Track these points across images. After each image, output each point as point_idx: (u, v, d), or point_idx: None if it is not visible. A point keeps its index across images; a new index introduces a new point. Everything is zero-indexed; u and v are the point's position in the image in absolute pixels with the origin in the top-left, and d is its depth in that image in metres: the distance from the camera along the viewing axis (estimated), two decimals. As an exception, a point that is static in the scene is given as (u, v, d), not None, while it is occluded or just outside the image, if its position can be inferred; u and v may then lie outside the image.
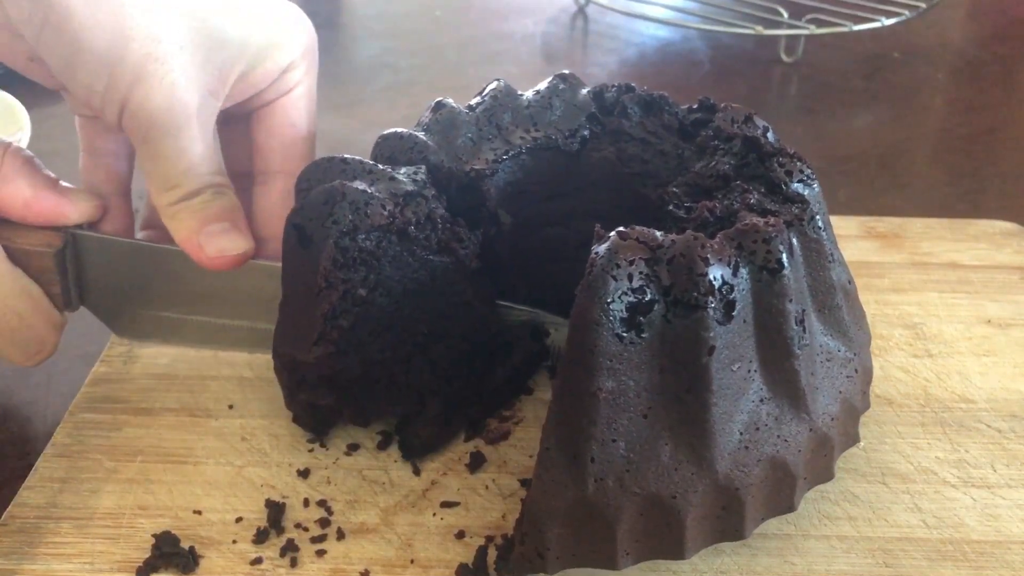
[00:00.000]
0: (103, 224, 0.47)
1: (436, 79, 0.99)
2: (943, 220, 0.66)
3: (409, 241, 0.44)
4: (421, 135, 0.48)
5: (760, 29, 0.97)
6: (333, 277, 0.42)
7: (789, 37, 0.99)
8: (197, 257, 0.44)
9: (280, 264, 0.45)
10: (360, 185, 0.42)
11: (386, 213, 0.42)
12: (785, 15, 0.99)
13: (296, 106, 0.48)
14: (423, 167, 0.45)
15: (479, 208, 0.47)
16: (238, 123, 0.49)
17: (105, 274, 0.47)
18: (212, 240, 0.43)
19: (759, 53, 1.04)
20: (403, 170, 0.44)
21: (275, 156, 0.48)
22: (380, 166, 0.44)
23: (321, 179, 0.43)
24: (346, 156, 0.44)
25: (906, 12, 1.00)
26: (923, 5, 1.02)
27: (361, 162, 0.44)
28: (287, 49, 0.46)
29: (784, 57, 1.00)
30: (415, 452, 0.47)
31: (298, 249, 0.43)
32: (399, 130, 0.48)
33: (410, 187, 0.43)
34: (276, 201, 0.48)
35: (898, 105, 0.93)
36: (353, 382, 0.46)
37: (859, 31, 0.97)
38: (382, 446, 0.48)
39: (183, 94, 0.41)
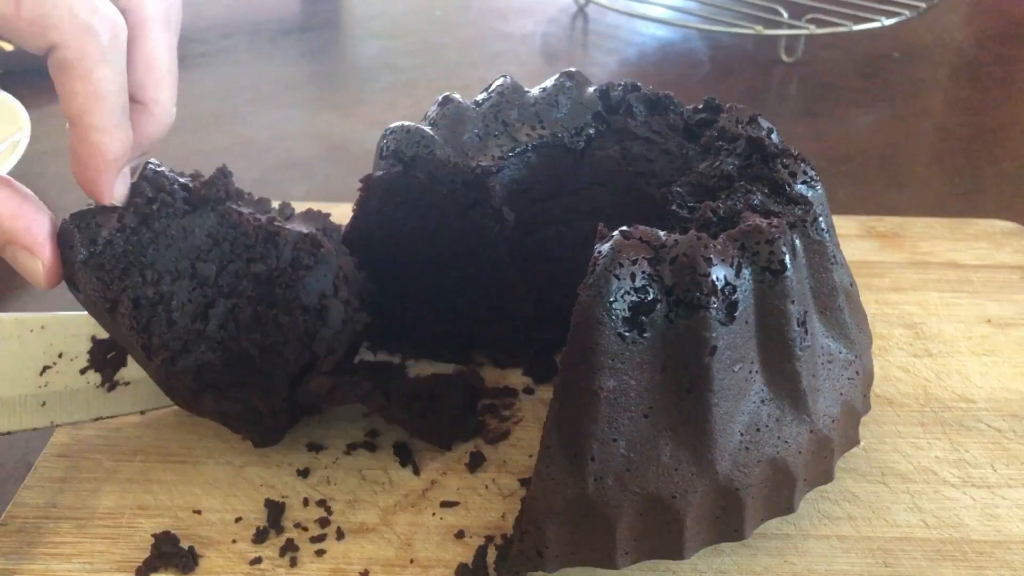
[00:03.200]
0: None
1: (436, 79, 0.99)
2: (943, 220, 0.66)
3: (159, 218, 0.43)
4: (428, 129, 0.48)
5: (760, 29, 0.97)
6: (111, 294, 0.42)
7: (789, 37, 0.99)
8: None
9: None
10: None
11: (115, 217, 0.42)
12: (785, 15, 0.99)
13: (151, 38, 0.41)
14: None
15: (484, 204, 0.47)
16: None
17: None
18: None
19: (759, 53, 1.04)
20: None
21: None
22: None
23: None
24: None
25: (906, 12, 1.00)
26: (923, 5, 1.02)
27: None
28: None
29: (784, 57, 1.00)
30: (312, 409, 0.48)
31: (76, 292, 0.43)
32: (406, 123, 0.48)
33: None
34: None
35: (898, 105, 0.93)
36: (224, 370, 0.44)
37: (859, 31, 0.97)
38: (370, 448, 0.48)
39: None
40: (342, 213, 0.65)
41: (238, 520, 0.44)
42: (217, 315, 0.44)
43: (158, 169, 0.44)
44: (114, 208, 0.42)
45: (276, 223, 0.45)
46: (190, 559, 0.42)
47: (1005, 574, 0.41)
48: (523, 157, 0.49)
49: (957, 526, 0.44)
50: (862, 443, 0.47)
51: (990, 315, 0.57)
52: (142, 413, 0.49)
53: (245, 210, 0.45)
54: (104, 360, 0.48)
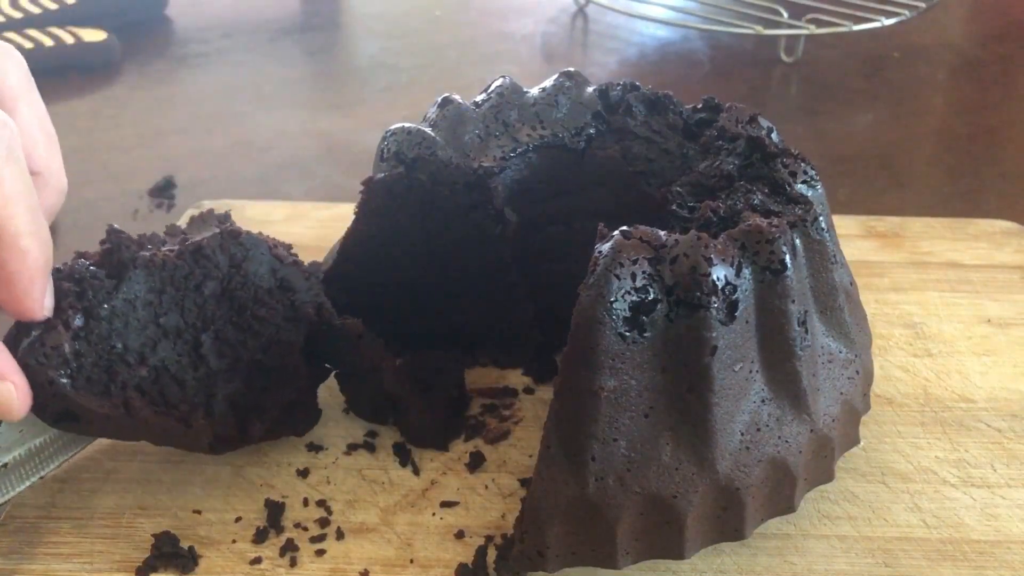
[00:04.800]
0: None
1: (436, 79, 0.99)
2: (943, 220, 0.66)
3: (98, 305, 0.41)
4: (428, 130, 0.47)
5: (760, 29, 0.97)
6: (117, 398, 0.41)
7: (789, 37, 0.99)
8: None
9: None
10: None
11: (61, 329, 0.39)
12: (785, 15, 0.99)
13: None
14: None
15: (485, 205, 0.47)
16: None
17: None
18: None
19: (759, 53, 1.04)
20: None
21: None
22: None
23: None
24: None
25: (906, 12, 1.00)
26: (923, 5, 1.02)
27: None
28: None
29: (784, 57, 1.00)
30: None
31: (72, 424, 0.41)
32: (407, 124, 0.48)
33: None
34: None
35: (898, 105, 0.93)
36: (249, 389, 0.44)
37: (859, 31, 0.97)
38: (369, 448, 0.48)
39: None
40: (342, 213, 0.65)
41: (238, 520, 0.44)
42: (210, 350, 0.44)
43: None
44: (48, 321, 0.39)
45: (190, 241, 0.44)
46: (190, 559, 0.42)
47: (1005, 574, 0.41)
48: (524, 157, 0.49)
49: (957, 526, 0.44)
50: (862, 443, 0.47)
51: (990, 315, 0.57)
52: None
53: (156, 248, 0.43)
54: None
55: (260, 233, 0.46)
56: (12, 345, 0.38)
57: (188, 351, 0.43)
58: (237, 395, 0.44)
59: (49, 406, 0.40)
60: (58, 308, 0.39)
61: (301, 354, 0.46)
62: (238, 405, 0.44)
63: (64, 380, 0.39)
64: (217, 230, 0.45)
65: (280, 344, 0.45)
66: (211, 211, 0.47)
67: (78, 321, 0.40)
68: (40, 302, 0.38)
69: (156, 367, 0.42)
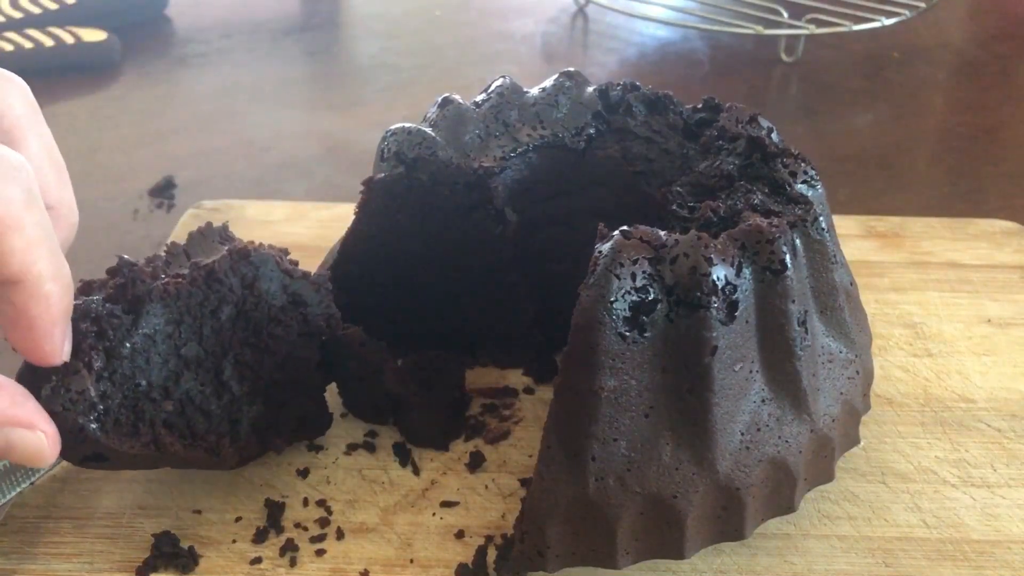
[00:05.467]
0: None
1: (436, 79, 0.99)
2: (943, 220, 0.66)
3: (119, 344, 0.40)
4: (428, 130, 0.47)
5: (760, 29, 0.97)
6: (146, 437, 0.40)
7: (789, 37, 0.99)
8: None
9: None
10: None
11: (83, 371, 0.38)
12: (785, 15, 0.99)
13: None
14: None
15: (486, 205, 0.47)
16: None
17: None
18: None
19: (759, 53, 1.04)
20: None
21: None
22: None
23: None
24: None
25: (906, 12, 1.00)
26: (923, 5, 1.02)
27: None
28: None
29: (784, 57, 1.00)
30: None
31: (101, 464, 0.40)
32: (407, 125, 0.48)
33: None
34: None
35: (898, 105, 0.93)
36: (268, 408, 0.44)
37: (859, 31, 0.97)
38: (369, 448, 0.48)
39: None
40: (342, 213, 0.65)
41: (238, 520, 0.44)
42: (231, 376, 0.43)
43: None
44: (68, 365, 0.37)
45: (201, 264, 0.43)
46: (190, 559, 0.42)
47: (1005, 574, 0.41)
48: (524, 157, 0.49)
49: (957, 526, 0.44)
50: (862, 443, 0.47)
51: (990, 315, 0.57)
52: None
53: (170, 277, 0.42)
54: None
55: (263, 245, 0.45)
56: (28, 387, 0.37)
57: (211, 379, 0.43)
58: (258, 416, 0.44)
59: (78, 450, 0.39)
60: (78, 350, 0.38)
61: (317, 367, 0.46)
62: (259, 425, 0.44)
63: (93, 425, 0.38)
64: (222, 247, 0.44)
65: (296, 360, 0.45)
66: (210, 225, 0.46)
67: (99, 362, 0.38)
68: (60, 347, 0.36)
69: (181, 400, 0.42)
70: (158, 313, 0.41)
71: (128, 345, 0.40)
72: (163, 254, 0.44)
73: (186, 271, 0.42)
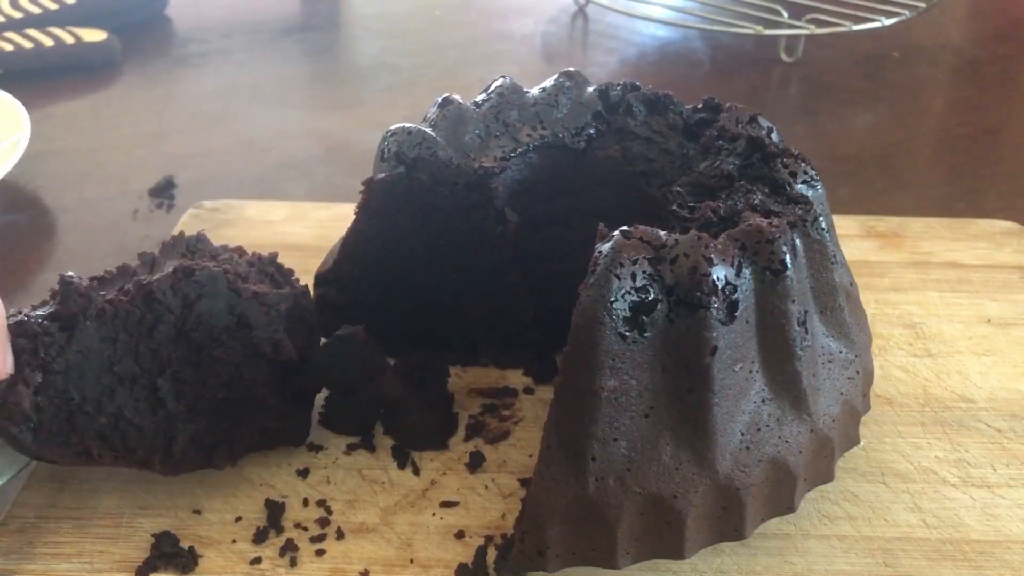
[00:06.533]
0: None
1: (436, 79, 0.99)
2: (943, 220, 0.66)
3: (54, 359, 0.42)
4: (429, 131, 0.47)
5: (760, 29, 0.97)
6: (76, 447, 0.42)
7: (789, 37, 0.99)
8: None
9: None
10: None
11: (21, 386, 0.41)
12: (785, 15, 0.99)
13: None
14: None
15: (486, 206, 0.47)
16: None
17: None
18: None
19: (759, 53, 1.04)
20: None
21: None
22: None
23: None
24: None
25: (906, 12, 1.00)
26: (923, 5, 1.02)
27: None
28: None
29: (784, 57, 1.00)
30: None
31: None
32: (407, 125, 0.48)
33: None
34: None
35: (898, 105, 0.93)
36: (211, 423, 0.44)
37: (859, 31, 0.97)
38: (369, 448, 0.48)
39: None
40: (342, 213, 0.65)
41: (238, 520, 0.44)
42: (168, 392, 0.43)
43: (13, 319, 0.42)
44: (10, 378, 0.40)
45: (144, 282, 0.43)
46: (190, 559, 0.42)
47: (1005, 574, 0.41)
48: (524, 157, 0.49)
49: (957, 526, 0.44)
50: (862, 443, 0.47)
51: (990, 315, 0.57)
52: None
53: (109, 295, 0.43)
54: None
55: (219, 266, 0.45)
56: None
57: (145, 396, 0.43)
58: (200, 432, 0.44)
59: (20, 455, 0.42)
60: (18, 364, 0.40)
61: (267, 386, 0.45)
62: (202, 441, 0.44)
63: (27, 436, 0.41)
64: (175, 264, 0.44)
65: (243, 380, 0.44)
66: (182, 235, 0.47)
67: (38, 377, 0.41)
68: (1, 367, 0.39)
69: (114, 414, 0.42)
70: (92, 331, 0.42)
71: (61, 360, 0.42)
72: (133, 264, 0.45)
73: (130, 287, 0.43)
